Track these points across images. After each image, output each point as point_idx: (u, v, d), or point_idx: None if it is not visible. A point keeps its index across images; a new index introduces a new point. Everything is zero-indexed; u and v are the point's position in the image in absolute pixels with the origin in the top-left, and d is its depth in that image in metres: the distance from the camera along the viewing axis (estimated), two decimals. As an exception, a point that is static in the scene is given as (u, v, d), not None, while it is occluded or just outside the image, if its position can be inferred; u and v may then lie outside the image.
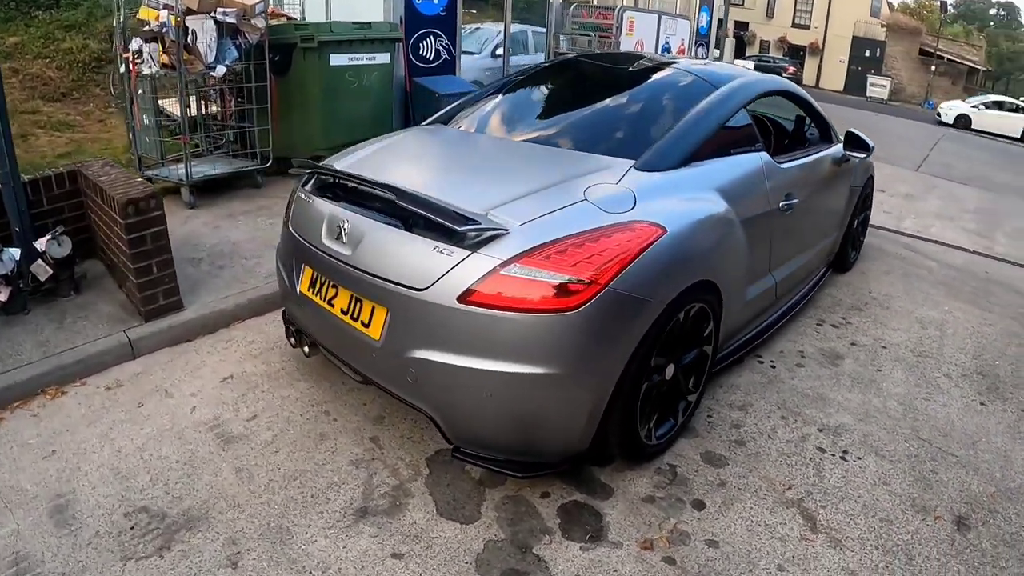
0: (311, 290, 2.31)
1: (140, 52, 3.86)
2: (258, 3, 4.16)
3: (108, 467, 2.18)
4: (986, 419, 2.76)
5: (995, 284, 4.49)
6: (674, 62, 3.13)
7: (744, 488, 2.23)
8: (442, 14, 6.46)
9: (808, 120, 3.57)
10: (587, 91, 2.95)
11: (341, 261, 2.10)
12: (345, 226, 2.11)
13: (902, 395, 2.88)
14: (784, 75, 16.18)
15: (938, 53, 32.82)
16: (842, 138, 3.52)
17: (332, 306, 2.20)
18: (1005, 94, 32.43)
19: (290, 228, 2.46)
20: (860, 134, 3.41)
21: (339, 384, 2.68)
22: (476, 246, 1.82)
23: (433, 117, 3.11)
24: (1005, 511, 2.23)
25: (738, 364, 2.95)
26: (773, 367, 3.04)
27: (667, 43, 9.54)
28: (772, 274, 2.92)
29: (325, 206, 2.27)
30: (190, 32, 3.92)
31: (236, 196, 4.69)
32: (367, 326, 2.05)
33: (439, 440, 2.34)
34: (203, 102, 4.75)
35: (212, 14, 3.92)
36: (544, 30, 9.16)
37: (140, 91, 4.25)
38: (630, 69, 3.02)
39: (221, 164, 4.71)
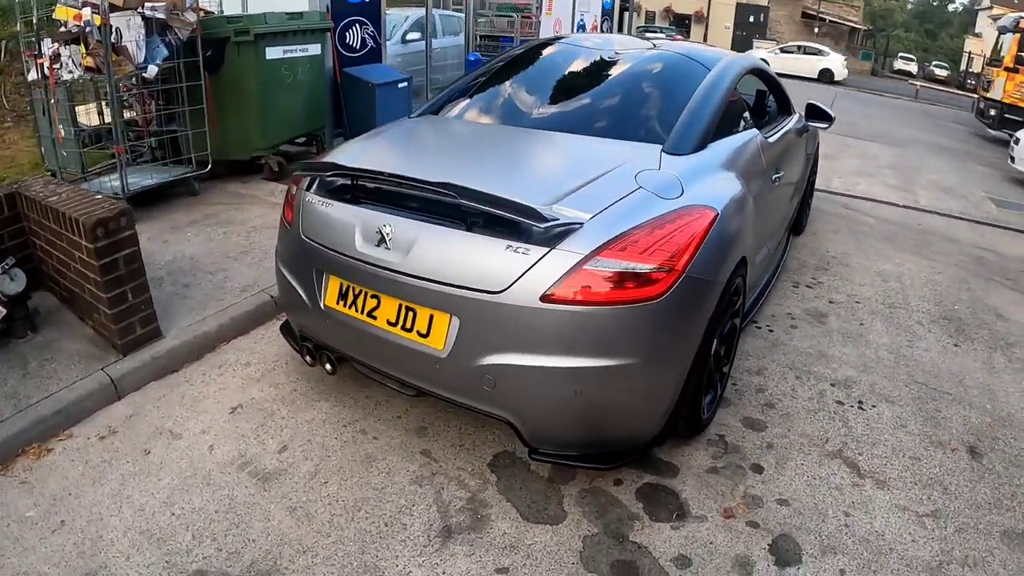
0: (341, 303, 2.15)
1: (58, 56, 3.39)
2: (186, -6, 3.78)
3: (136, 530, 1.91)
4: (963, 359, 3.07)
5: (930, 234, 4.98)
6: (660, 44, 3.16)
7: (789, 447, 2.35)
8: (367, 1, 6.18)
9: (768, 94, 3.75)
10: (584, 76, 2.92)
11: (388, 269, 1.97)
12: (387, 231, 1.98)
13: (888, 345, 3.14)
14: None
15: (820, 15, 34.95)
16: (802, 111, 3.73)
17: (374, 318, 2.06)
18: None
19: (303, 236, 2.26)
20: (821, 105, 3.64)
21: (363, 398, 2.53)
22: (551, 242, 1.77)
23: (422, 108, 2.97)
24: (1005, 436, 2.50)
25: (741, 332, 3.08)
26: (771, 331, 3.20)
27: (582, 20, 9.67)
28: (767, 244, 3.07)
29: (353, 210, 2.11)
30: (115, 31, 3.50)
31: (174, 206, 4.29)
32: (424, 336, 1.95)
33: (493, 443, 2.29)
34: (122, 108, 4.27)
35: (139, 10, 3.51)
36: (454, 13, 8.98)
37: (53, 100, 3.76)
38: (616, 52, 3.02)
39: (156, 173, 4.27)
